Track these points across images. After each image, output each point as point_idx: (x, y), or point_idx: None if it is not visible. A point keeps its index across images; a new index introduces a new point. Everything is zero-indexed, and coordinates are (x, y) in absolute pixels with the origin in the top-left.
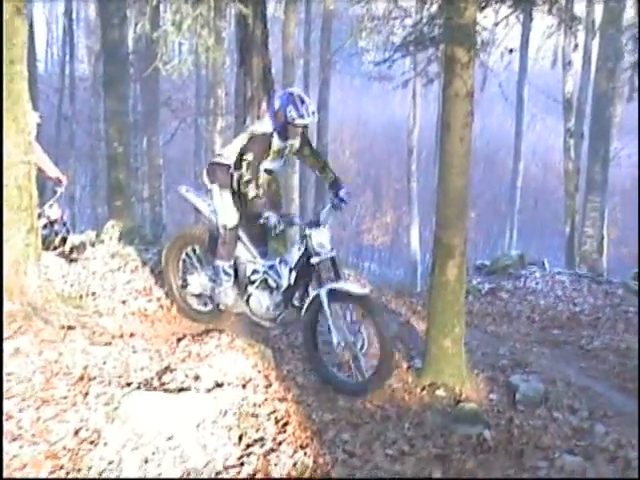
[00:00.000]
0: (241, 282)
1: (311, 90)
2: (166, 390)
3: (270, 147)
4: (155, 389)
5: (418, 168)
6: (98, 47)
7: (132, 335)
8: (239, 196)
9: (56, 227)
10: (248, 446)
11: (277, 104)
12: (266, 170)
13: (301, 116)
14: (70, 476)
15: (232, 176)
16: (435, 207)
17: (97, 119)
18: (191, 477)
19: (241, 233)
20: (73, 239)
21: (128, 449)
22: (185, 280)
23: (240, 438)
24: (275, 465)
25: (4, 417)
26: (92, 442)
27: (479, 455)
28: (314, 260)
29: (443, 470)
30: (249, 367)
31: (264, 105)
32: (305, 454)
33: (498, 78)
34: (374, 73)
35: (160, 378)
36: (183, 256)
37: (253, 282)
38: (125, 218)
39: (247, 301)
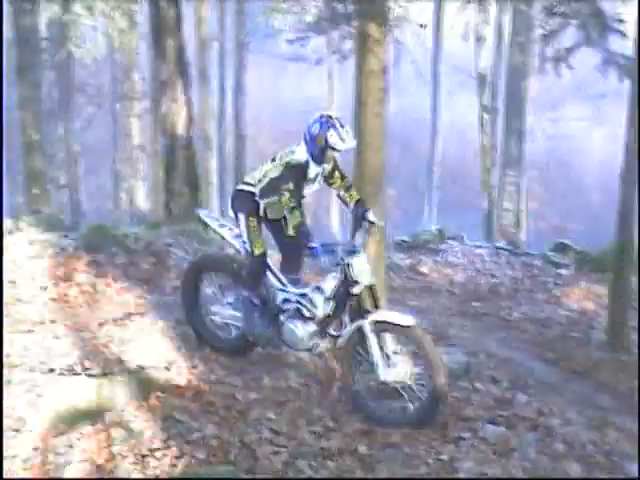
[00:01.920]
0: (271, 310)
1: (227, 73)
2: (89, 375)
3: (306, 176)
4: (78, 374)
5: None
6: (10, 34)
7: (53, 321)
8: (271, 223)
9: None
10: (173, 428)
11: (316, 128)
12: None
13: (343, 140)
14: None
15: (258, 204)
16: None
17: (10, 107)
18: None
19: (269, 260)
20: None
21: (53, 435)
22: (208, 309)
23: (165, 420)
24: (200, 446)
25: None
26: (16, 430)
27: (403, 428)
28: (356, 290)
29: (368, 444)
30: (173, 349)
31: (179, 88)
32: (231, 434)
33: (413, 56)
34: (290, 54)
35: (83, 363)
36: (204, 282)
37: (285, 311)
38: (43, 205)
39: (279, 331)
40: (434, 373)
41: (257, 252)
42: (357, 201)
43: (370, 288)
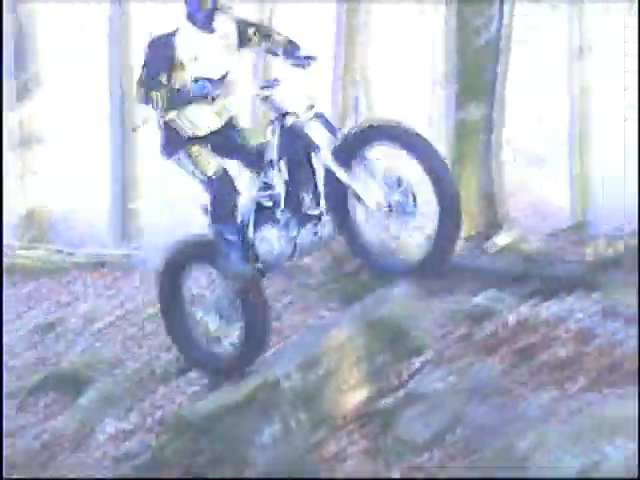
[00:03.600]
0: (248, 240)
1: None
2: None
3: (175, 55)
4: None
5: None
6: None
7: None
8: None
9: None
10: None
11: None
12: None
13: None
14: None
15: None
16: None
17: None
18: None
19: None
20: None
21: None
22: (200, 320)
23: None
24: None
25: None
26: None
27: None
28: (293, 120)
29: None
30: None
31: None
32: None
33: None
34: None
35: None
36: (187, 283)
37: (255, 228)
38: None
39: (253, 253)
40: (439, 190)
41: (211, 171)
42: (288, 43)
43: (320, 117)
